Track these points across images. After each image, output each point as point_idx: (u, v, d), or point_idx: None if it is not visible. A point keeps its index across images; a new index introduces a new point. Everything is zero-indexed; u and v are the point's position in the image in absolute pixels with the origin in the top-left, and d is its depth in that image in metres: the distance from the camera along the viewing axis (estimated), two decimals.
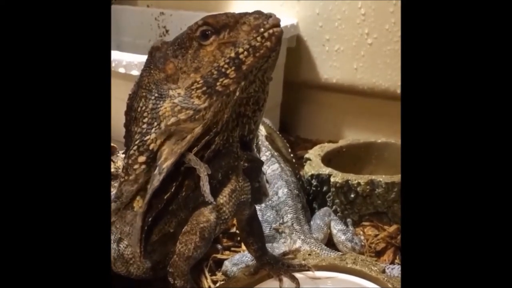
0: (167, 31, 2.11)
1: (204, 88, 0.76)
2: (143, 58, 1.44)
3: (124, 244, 0.92)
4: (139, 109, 0.80)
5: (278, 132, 1.53)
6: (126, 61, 1.42)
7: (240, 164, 0.83)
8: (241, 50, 0.74)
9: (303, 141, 1.94)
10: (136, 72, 1.40)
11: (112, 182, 1.21)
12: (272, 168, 1.31)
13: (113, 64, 1.43)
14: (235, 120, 0.81)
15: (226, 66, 0.75)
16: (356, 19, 1.70)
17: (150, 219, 0.81)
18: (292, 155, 1.48)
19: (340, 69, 1.79)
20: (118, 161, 1.29)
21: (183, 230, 0.82)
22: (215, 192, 0.81)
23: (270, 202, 1.26)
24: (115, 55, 1.46)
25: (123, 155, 0.97)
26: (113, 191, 1.17)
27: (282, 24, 1.83)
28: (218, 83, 0.75)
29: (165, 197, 0.80)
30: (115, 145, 1.31)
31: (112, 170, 1.22)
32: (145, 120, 0.79)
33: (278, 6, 1.84)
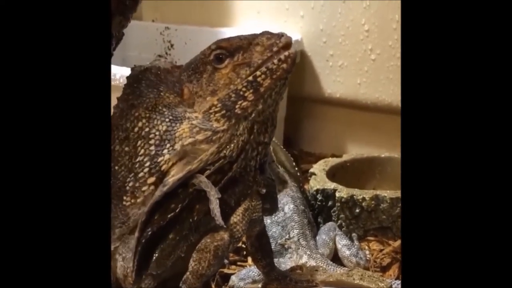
0: (172, 45, 2.13)
1: (223, 112, 0.77)
2: None
3: None
4: (135, 129, 0.80)
5: (280, 146, 1.54)
6: None
7: (254, 189, 0.83)
8: (258, 73, 0.76)
9: (307, 155, 1.96)
10: None
11: None
12: None
13: (120, 80, 1.44)
14: (255, 149, 0.81)
15: (244, 89, 0.76)
16: (359, 36, 1.72)
17: (149, 233, 0.79)
18: (296, 168, 1.49)
19: (343, 84, 1.81)
20: None
21: (197, 247, 0.81)
22: (227, 216, 0.81)
23: (276, 218, 1.27)
24: (123, 71, 1.48)
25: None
26: None
27: None
28: (237, 106, 0.77)
29: (169, 216, 0.79)
30: None
31: None
32: (152, 142, 0.79)
33: (283, 22, 1.86)
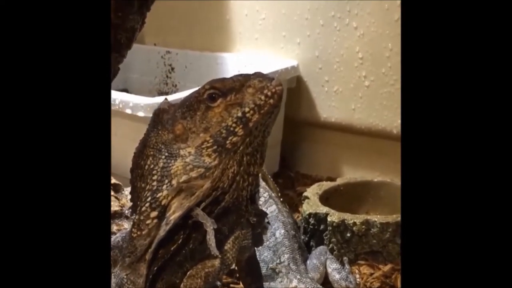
0: (172, 69, 2.19)
1: (215, 147, 0.82)
2: (149, 100, 1.52)
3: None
4: (146, 167, 0.86)
5: (267, 175, 1.55)
6: (132, 103, 1.49)
7: (245, 218, 0.88)
8: (247, 109, 0.80)
9: (303, 177, 1.99)
10: (142, 114, 1.46)
11: (116, 220, 1.26)
12: (269, 210, 1.35)
13: (120, 105, 1.49)
14: (246, 180, 0.85)
15: (234, 125, 0.81)
16: (354, 63, 1.77)
17: (155, 268, 0.85)
18: (282, 199, 1.50)
19: (338, 109, 1.85)
20: (122, 199, 1.33)
21: (188, 273, 0.85)
22: (220, 244, 0.85)
23: (267, 242, 1.30)
24: (123, 96, 1.53)
25: (128, 194, 1.01)
26: (114, 228, 1.22)
27: (283, 65, 1.91)
28: (227, 142, 0.81)
29: (172, 248, 0.84)
30: (120, 183, 1.36)
31: (117, 208, 1.27)
32: (155, 177, 0.84)
33: (280, 48, 1.91)
